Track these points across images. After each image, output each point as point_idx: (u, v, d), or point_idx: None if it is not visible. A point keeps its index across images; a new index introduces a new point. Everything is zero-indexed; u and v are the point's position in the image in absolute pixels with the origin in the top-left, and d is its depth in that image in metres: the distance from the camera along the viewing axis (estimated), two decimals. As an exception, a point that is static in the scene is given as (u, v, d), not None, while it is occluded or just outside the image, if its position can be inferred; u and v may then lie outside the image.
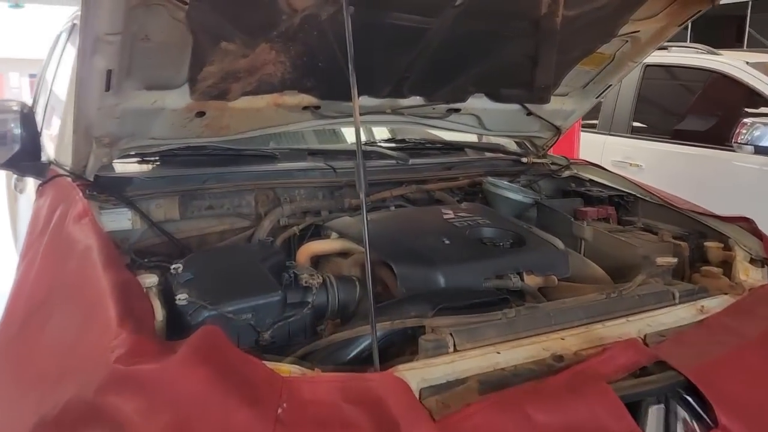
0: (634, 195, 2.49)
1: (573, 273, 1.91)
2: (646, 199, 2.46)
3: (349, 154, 2.46)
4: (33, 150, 2.22)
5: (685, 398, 1.28)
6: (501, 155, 2.78)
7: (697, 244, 2.07)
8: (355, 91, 1.24)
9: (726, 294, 1.74)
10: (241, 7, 1.64)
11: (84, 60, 1.56)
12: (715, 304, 1.69)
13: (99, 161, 1.89)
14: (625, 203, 2.52)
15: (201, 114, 1.96)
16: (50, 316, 1.40)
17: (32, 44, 12.44)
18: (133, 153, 2.06)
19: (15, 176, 3.12)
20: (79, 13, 1.55)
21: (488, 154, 2.81)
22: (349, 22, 1.25)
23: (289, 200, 2.18)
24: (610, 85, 2.59)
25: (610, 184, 2.60)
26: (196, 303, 1.37)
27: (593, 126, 5.15)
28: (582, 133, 4.94)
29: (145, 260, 1.65)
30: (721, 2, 2.21)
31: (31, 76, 17.09)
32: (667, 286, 1.74)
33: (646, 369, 1.32)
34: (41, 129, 2.74)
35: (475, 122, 2.55)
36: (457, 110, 2.43)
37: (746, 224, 2.05)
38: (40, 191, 2.00)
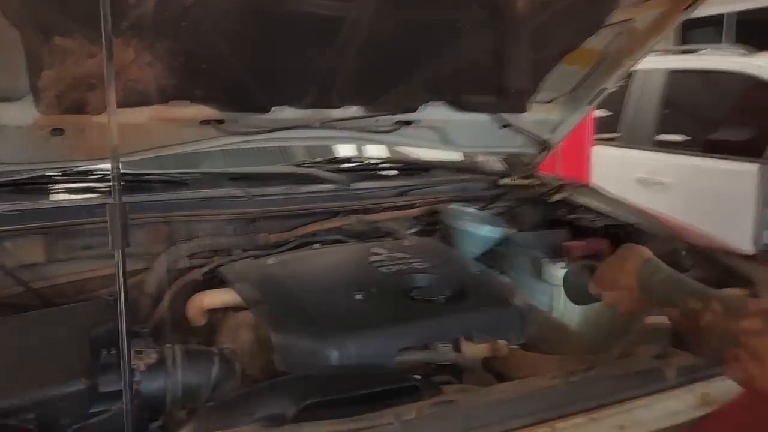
0: (635, 225, 1.99)
1: (536, 337, 1.43)
2: (651, 230, 1.96)
3: (280, 178, 2.02)
4: None
5: None
6: (476, 176, 2.31)
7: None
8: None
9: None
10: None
11: None
12: (726, 388, 1.19)
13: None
14: (624, 235, 2.02)
15: (58, 132, 1.55)
16: None
17: None
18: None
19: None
20: None
21: (461, 175, 2.33)
22: None
23: (191, 237, 1.76)
24: (605, 89, 2.10)
25: (607, 211, 2.09)
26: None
27: (611, 140, 4.62)
28: (597, 147, 4.41)
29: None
30: None
31: None
32: (657, 359, 1.25)
33: None
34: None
35: (436, 137, 2.09)
36: (409, 122, 1.97)
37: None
38: None
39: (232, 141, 1.75)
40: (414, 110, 1.91)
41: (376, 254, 1.60)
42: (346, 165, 2.20)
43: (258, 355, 1.35)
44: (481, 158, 2.49)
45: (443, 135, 2.09)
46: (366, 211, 1.96)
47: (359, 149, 2.47)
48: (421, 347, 1.29)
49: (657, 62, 4.46)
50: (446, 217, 1.90)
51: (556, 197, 2.22)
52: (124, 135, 1.62)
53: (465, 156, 2.68)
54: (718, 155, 4.07)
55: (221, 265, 1.69)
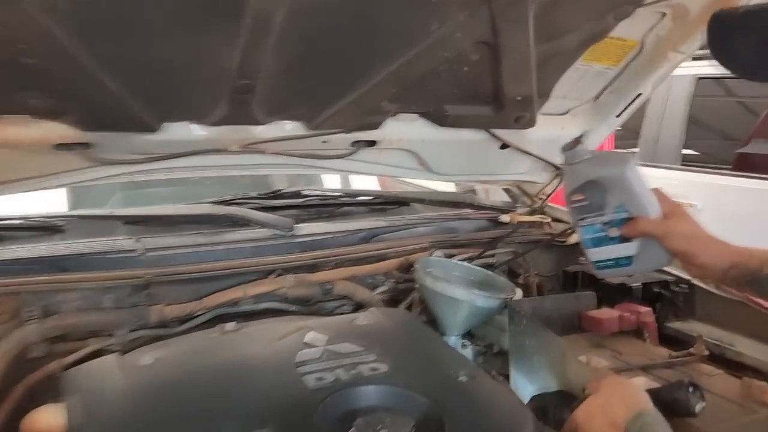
0: (688, 281, 1.44)
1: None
2: (711, 289, 1.41)
3: (194, 222, 1.47)
4: None
5: None
6: (468, 212, 1.75)
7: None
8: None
9: None
10: None
11: None
12: None
13: None
14: (672, 297, 1.46)
15: None
16: None
17: None
18: None
19: None
20: None
21: (450, 211, 1.78)
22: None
23: (48, 312, 1.21)
24: (639, 95, 1.55)
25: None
26: None
27: (632, 154, 4.05)
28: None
29: None
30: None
31: None
32: None
33: None
34: None
35: (411, 162, 1.54)
36: (371, 143, 1.42)
37: None
38: None
39: (105, 174, 1.21)
40: (376, 126, 1.36)
41: (308, 347, 1.04)
42: (291, 201, 1.64)
43: None
44: (478, 188, 1.94)
45: (421, 159, 1.53)
46: (314, 268, 1.40)
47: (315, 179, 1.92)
48: None
49: (682, 67, 3.91)
50: (422, 275, 1.34)
51: (575, 238, 1.66)
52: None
53: (458, 185, 2.13)
54: (755, 174, 3.52)
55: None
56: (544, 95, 1.46)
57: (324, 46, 1.13)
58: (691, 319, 1.44)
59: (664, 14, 1.37)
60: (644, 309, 1.35)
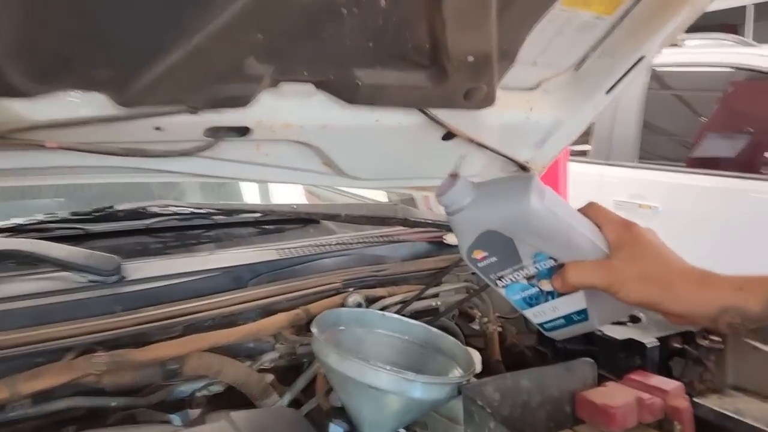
0: (721, 340, 0.97)
1: None
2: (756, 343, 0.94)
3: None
4: None
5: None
6: (401, 231, 1.24)
7: None
8: None
9: None
10: None
11: None
12: None
13: None
14: (700, 356, 0.99)
15: None
16: None
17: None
18: None
19: None
20: None
21: (375, 230, 1.26)
22: None
23: None
24: (641, 59, 1.07)
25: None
26: None
27: (583, 152, 3.65)
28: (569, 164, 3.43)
29: None
30: None
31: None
32: None
33: None
34: None
35: (312, 160, 1.01)
36: (241, 131, 0.89)
37: None
38: None
39: None
40: (243, 102, 0.82)
41: None
42: (128, 224, 1.08)
43: None
44: (416, 196, 1.43)
45: (324, 156, 1.01)
46: (147, 337, 0.85)
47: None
48: None
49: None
50: (325, 350, 0.81)
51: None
52: None
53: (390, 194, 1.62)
54: (714, 171, 3.22)
55: None
56: (507, 57, 0.96)
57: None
58: (729, 390, 0.97)
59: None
60: (671, 385, 0.86)
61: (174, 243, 1.09)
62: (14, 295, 0.85)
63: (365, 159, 1.04)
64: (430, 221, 1.26)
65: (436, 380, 0.81)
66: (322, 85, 0.89)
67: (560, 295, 0.82)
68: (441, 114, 0.99)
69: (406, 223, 1.23)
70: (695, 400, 0.94)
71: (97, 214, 1.09)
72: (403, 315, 1.01)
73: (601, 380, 0.90)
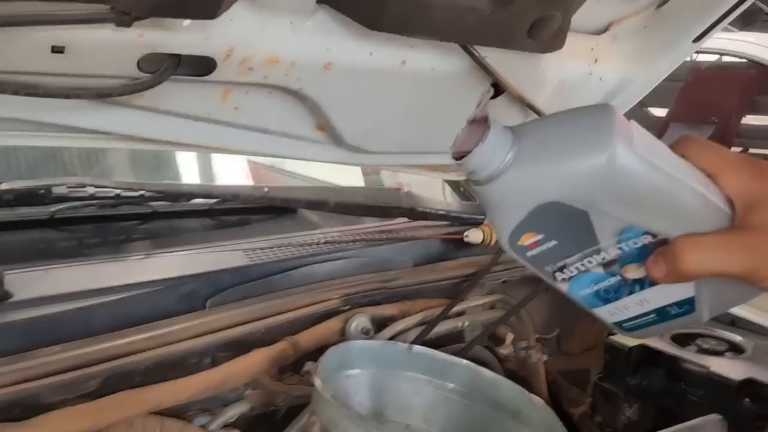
0: None
1: None
2: None
3: None
4: None
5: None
6: (405, 225, 0.93)
7: None
8: None
9: None
10: None
11: None
12: None
13: None
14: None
15: None
16: None
17: None
18: None
19: None
20: None
21: (376, 223, 0.95)
22: None
23: None
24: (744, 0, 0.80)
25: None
26: None
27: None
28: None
29: None
30: None
31: None
32: None
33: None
34: None
35: (302, 123, 0.68)
36: (201, 64, 0.55)
37: None
38: None
39: None
40: (210, 15, 0.49)
41: None
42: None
43: None
44: (407, 180, 1.13)
45: (319, 112, 0.68)
46: (28, 404, 0.52)
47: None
48: None
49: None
50: (333, 416, 0.50)
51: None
52: None
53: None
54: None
55: None
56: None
57: None
58: None
59: None
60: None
61: (91, 240, 0.74)
62: None
63: (378, 122, 0.72)
64: (444, 212, 0.95)
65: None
66: (335, 5, 0.57)
67: (653, 283, 0.53)
68: (493, 58, 0.69)
69: (413, 214, 0.92)
70: None
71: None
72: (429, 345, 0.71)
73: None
